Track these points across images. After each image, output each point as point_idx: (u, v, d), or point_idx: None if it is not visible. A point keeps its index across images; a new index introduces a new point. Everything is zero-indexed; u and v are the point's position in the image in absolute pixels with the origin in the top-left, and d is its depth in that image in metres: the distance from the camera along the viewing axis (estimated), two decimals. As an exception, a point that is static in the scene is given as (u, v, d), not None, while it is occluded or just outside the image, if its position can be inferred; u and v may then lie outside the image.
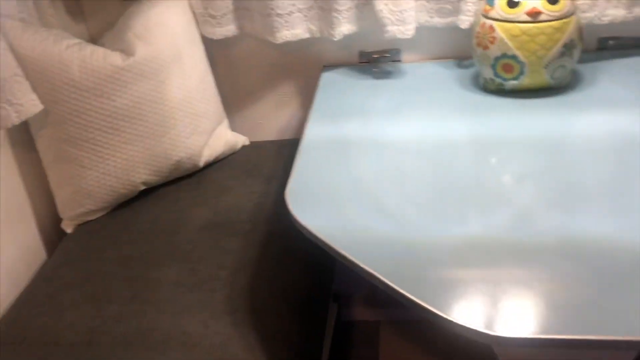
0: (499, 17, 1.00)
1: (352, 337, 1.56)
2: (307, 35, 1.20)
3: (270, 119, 1.40)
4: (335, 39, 1.17)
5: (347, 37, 1.19)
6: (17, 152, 1.11)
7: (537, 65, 1.00)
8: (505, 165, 0.87)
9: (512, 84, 1.05)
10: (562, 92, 1.05)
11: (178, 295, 0.94)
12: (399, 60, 1.28)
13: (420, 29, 1.19)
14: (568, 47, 1.00)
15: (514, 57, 1.00)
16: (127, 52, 1.10)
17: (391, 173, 0.88)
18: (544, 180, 0.82)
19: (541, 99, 1.04)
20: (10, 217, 1.07)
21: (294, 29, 1.18)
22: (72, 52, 1.05)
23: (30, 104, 1.02)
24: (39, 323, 0.93)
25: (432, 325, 1.47)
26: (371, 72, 1.24)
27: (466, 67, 1.21)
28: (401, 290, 0.65)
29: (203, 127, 1.21)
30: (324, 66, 1.30)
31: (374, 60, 1.28)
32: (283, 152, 1.31)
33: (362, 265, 0.70)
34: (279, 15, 1.15)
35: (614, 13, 1.11)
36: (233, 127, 1.35)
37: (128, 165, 1.13)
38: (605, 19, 1.12)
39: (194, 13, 1.21)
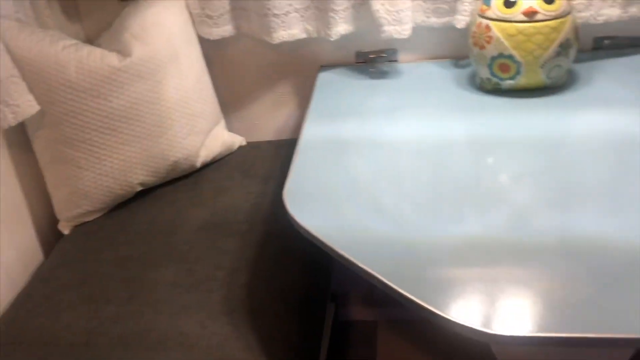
0: (496, 17, 1.01)
1: (350, 337, 1.56)
2: (303, 36, 1.20)
3: (267, 119, 1.39)
4: (332, 39, 1.17)
5: (344, 37, 1.19)
6: (14, 153, 1.11)
7: (533, 64, 1.01)
8: (502, 165, 0.87)
9: (508, 83, 1.05)
10: (558, 92, 1.06)
11: (175, 295, 0.94)
12: (395, 60, 1.28)
13: (416, 28, 1.19)
14: (564, 47, 1.00)
15: (510, 56, 1.01)
16: (123, 52, 1.10)
17: (388, 173, 0.88)
18: (542, 180, 0.82)
19: (537, 98, 1.04)
20: (7, 218, 1.07)
21: (291, 29, 1.18)
22: (69, 53, 1.05)
23: (26, 105, 1.02)
24: (36, 324, 0.93)
25: (430, 324, 1.48)
26: (368, 72, 1.24)
27: (463, 67, 1.21)
28: (400, 290, 0.65)
29: (200, 128, 1.21)
30: (321, 66, 1.30)
31: (371, 60, 1.28)
32: (280, 153, 1.30)
33: (360, 264, 0.70)
34: (275, 15, 1.15)
35: (610, 13, 1.11)
36: (230, 128, 1.35)
37: (125, 166, 1.13)
38: (601, 19, 1.12)
39: (190, 13, 1.21)
